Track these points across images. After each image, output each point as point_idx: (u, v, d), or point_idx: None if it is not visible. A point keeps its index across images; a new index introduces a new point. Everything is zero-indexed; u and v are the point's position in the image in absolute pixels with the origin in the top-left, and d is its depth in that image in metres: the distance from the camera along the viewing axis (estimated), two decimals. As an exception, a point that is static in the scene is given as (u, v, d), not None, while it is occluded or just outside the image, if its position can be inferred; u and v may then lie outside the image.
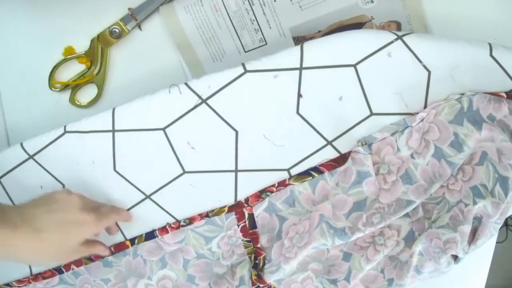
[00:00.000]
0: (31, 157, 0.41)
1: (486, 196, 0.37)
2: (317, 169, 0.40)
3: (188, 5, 0.43)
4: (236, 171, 0.41)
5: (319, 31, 0.43)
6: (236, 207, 0.42)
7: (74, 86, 0.47)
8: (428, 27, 0.42)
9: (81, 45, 0.46)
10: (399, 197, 0.39)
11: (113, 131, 0.40)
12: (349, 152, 0.39)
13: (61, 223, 0.35)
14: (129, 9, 0.44)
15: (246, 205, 0.41)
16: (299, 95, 0.39)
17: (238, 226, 0.42)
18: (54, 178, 0.42)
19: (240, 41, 0.44)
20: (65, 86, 0.47)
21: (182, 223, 0.42)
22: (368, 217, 0.39)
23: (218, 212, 0.42)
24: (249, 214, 0.42)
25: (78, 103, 0.47)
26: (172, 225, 0.42)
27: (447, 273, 0.41)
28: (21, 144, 0.41)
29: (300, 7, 0.42)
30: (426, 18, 0.42)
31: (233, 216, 0.42)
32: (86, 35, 0.45)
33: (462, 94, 0.37)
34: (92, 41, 0.45)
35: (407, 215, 0.40)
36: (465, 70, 0.37)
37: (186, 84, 0.39)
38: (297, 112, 0.39)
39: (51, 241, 0.35)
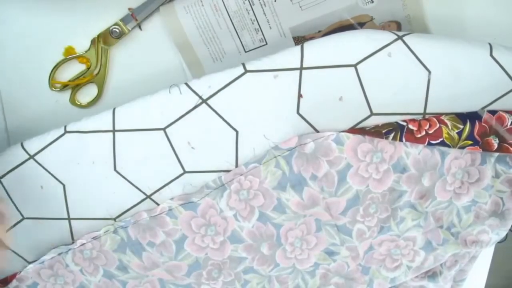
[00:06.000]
0: (31, 157, 0.41)
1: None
2: None
3: (188, 5, 0.43)
4: (236, 171, 0.41)
5: (319, 31, 0.43)
6: None
7: (74, 86, 0.47)
8: (428, 27, 0.42)
9: (81, 45, 0.46)
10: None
11: (114, 131, 0.40)
12: None
13: None
14: (129, 9, 0.45)
15: None
16: (299, 95, 0.39)
17: None
18: (54, 178, 0.42)
19: (240, 41, 0.44)
20: (65, 86, 0.47)
21: None
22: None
23: None
24: None
25: (78, 103, 0.47)
26: None
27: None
28: (22, 144, 0.41)
29: (300, 7, 0.42)
30: (426, 18, 0.42)
31: None
32: (86, 35, 0.45)
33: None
34: (92, 41, 0.45)
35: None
36: (465, 70, 0.37)
37: (186, 84, 0.39)
38: (297, 112, 0.39)
39: None
